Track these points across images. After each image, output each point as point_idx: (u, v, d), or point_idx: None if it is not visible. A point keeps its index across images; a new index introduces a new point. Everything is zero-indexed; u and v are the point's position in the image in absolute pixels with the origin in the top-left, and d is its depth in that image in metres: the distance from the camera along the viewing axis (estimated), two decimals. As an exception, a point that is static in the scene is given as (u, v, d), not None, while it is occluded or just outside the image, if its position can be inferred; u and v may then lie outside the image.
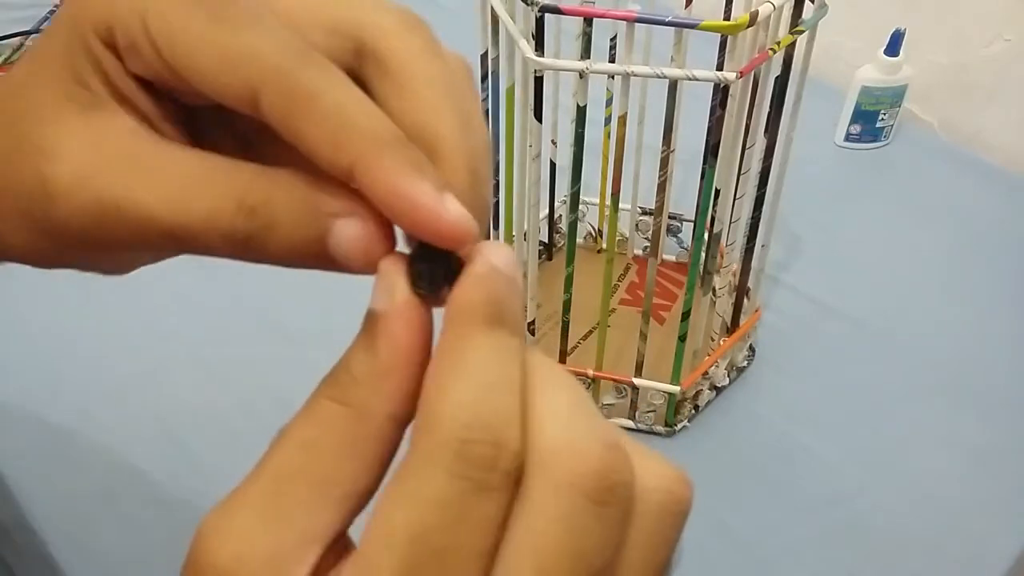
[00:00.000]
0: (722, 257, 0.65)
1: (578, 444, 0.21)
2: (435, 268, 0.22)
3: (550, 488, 0.20)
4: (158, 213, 0.22)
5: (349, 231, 0.22)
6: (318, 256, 0.22)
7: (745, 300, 0.66)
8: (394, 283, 0.22)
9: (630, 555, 0.22)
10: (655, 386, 0.64)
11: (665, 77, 0.50)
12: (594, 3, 0.60)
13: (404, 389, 0.22)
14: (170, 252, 0.25)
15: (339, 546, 0.22)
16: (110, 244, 0.24)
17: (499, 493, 0.20)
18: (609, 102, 0.67)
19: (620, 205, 0.59)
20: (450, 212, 0.21)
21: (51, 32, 0.24)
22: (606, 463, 0.21)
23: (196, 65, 0.22)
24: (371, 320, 0.22)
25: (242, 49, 0.21)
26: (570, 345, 0.65)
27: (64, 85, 0.23)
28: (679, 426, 0.67)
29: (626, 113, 0.53)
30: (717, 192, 0.56)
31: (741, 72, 0.49)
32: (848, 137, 0.93)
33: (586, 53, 0.50)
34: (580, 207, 0.63)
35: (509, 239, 0.65)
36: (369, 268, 0.22)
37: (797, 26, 0.53)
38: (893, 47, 0.87)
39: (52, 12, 1.07)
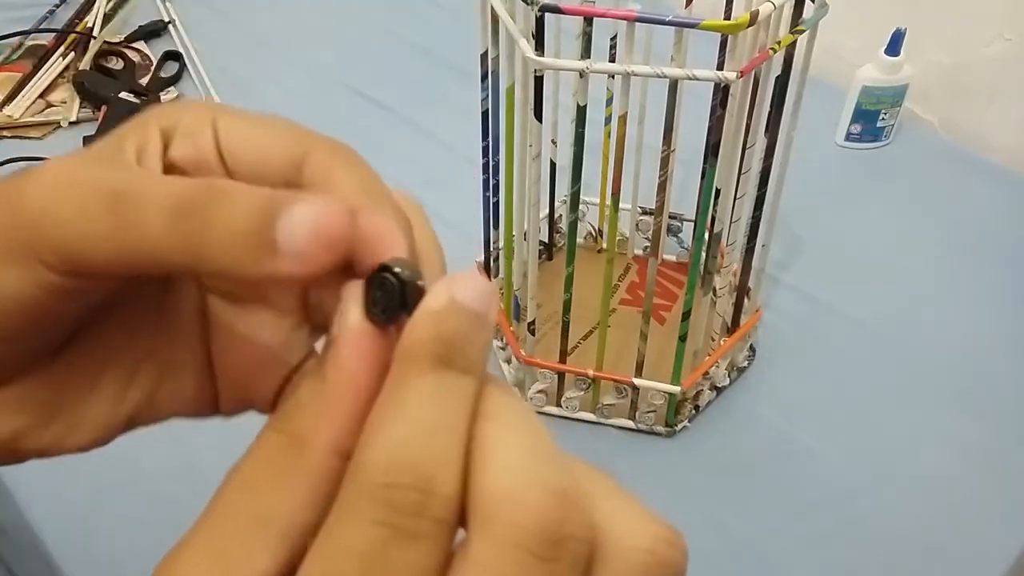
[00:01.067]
0: (722, 257, 0.65)
1: (521, 493, 0.19)
2: (391, 294, 0.21)
3: (490, 542, 0.19)
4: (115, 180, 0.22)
5: (303, 212, 0.21)
6: (261, 248, 0.21)
7: (745, 300, 0.66)
8: (348, 307, 0.21)
9: None
10: (655, 386, 0.64)
11: (665, 77, 0.49)
12: (594, 3, 0.60)
13: (350, 419, 0.20)
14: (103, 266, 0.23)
15: None
16: (53, 222, 0.22)
17: (429, 542, 0.19)
18: (609, 102, 0.67)
19: (620, 205, 0.59)
20: (387, 221, 0.22)
21: (114, 131, 0.25)
22: (552, 515, 0.19)
23: (257, 137, 0.25)
24: (325, 346, 0.21)
25: (301, 128, 0.26)
26: (570, 345, 0.65)
27: (97, 154, 0.24)
28: (679, 426, 0.67)
29: (626, 113, 0.53)
30: (717, 192, 0.56)
31: (741, 72, 0.49)
32: (849, 137, 0.93)
33: (586, 53, 0.50)
34: (580, 207, 0.63)
35: (509, 239, 0.65)
36: (319, 262, 0.21)
37: (797, 25, 0.53)
38: (894, 47, 0.87)
39: (52, 12, 1.07)
